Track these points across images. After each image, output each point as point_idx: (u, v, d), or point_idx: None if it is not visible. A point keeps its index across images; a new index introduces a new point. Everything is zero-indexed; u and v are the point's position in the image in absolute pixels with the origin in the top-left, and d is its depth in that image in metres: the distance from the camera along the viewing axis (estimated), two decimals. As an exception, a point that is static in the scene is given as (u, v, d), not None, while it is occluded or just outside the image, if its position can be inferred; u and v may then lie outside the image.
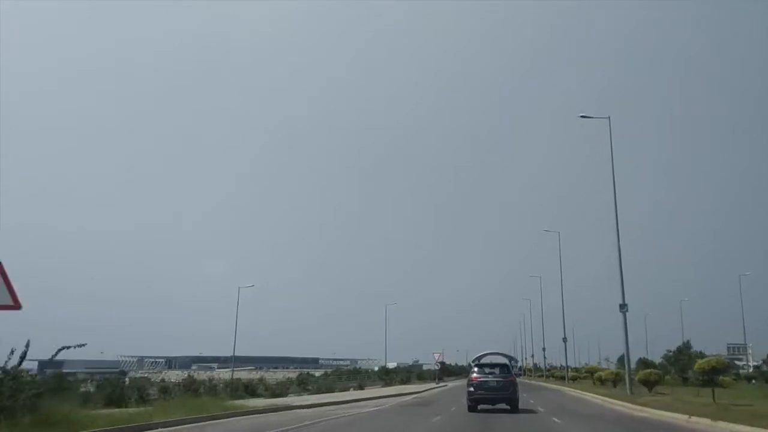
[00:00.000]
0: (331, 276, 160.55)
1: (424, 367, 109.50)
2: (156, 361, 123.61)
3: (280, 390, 43.16)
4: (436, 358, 61.50)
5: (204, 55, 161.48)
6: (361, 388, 54.17)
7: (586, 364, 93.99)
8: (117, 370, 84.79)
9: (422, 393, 40.04)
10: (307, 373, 78.33)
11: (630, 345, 30.01)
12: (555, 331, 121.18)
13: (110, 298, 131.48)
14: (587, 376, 58.27)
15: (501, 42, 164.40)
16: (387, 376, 64.53)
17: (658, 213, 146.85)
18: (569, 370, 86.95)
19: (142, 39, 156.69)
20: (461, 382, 74.99)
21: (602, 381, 45.32)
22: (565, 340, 56.33)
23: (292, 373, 77.69)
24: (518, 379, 25.65)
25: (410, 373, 73.21)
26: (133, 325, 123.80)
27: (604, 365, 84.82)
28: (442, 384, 61.21)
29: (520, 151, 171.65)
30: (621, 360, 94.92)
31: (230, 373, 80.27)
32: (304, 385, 52.54)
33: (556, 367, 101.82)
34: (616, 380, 41.23)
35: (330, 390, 48.73)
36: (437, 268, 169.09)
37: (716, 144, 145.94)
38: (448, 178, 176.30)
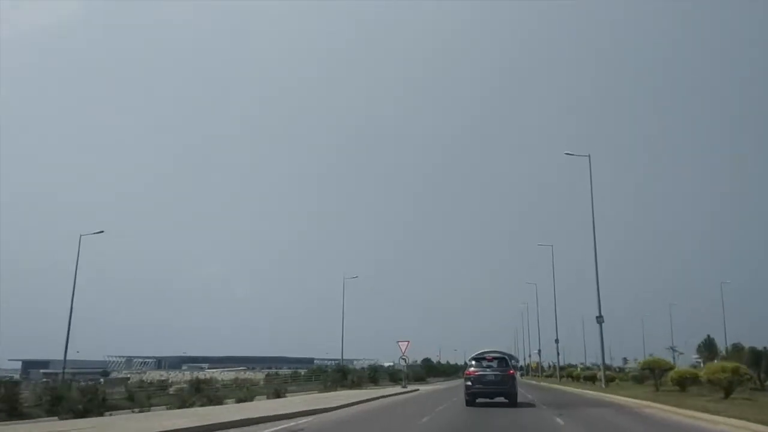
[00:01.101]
0: (327, 276, 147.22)
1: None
2: (145, 361, 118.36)
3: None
4: (402, 349, 40.21)
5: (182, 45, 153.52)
6: (278, 395, 34.42)
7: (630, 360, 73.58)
8: (100, 370, 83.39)
9: (343, 409, 19.88)
10: (276, 372, 69.71)
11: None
12: (561, 328, 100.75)
13: (101, 296, 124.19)
14: (636, 375, 37.50)
15: (486, 40, 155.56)
16: (333, 377, 43.84)
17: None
18: (584, 368, 69.25)
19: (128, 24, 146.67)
20: (450, 384, 56.04)
21: (682, 384, 24.67)
22: (600, 319, 35.16)
23: (260, 374, 68.68)
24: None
25: (375, 373, 52.49)
26: (124, 325, 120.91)
27: (666, 356, 64.44)
28: (411, 389, 40.21)
29: (518, 141, 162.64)
30: (707, 347, 71.62)
31: (220, 373, 68.17)
32: (203, 392, 33.80)
33: (572, 366, 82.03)
34: (731, 382, 20.24)
35: (217, 401, 29.96)
36: (435, 265, 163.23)
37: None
38: (443, 170, 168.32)
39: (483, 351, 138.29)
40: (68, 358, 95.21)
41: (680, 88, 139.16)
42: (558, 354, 61.86)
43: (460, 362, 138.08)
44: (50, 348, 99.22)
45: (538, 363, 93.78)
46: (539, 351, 77.77)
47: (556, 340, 58.29)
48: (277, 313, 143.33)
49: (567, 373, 60.69)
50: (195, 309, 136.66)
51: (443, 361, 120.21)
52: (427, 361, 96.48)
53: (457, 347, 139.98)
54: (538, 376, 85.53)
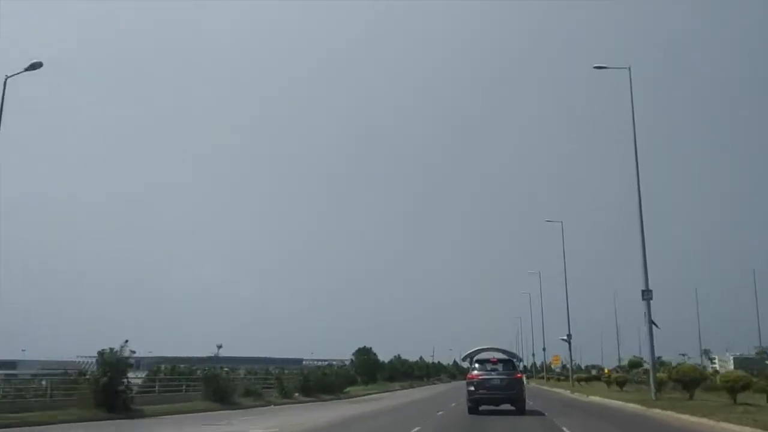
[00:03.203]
0: (319, 276, 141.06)
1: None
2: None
3: None
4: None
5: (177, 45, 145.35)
6: None
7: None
8: (61, 371, 65.02)
9: None
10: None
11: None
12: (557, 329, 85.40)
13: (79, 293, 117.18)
14: None
15: (486, 28, 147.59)
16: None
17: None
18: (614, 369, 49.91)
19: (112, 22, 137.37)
20: (394, 402, 31.23)
21: None
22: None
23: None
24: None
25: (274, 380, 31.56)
26: (114, 327, 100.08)
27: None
28: None
29: (515, 137, 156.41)
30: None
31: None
32: None
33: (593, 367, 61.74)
34: None
35: None
36: (431, 262, 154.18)
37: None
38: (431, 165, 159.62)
39: (479, 348, 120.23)
40: (36, 358, 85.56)
41: (680, 85, 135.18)
42: (652, 323, 25.11)
43: (455, 363, 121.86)
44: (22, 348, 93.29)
45: (562, 361, 69.59)
46: (568, 336, 45.52)
47: (646, 292, 25.14)
48: (274, 313, 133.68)
49: (683, 372, 26.56)
50: (191, 310, 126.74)
51: (438, 362, 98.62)
52: (364, 353, 55.30)
53: (453, 347, 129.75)
54: (564, 381, 58.61)
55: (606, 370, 63.49)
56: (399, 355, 70.28)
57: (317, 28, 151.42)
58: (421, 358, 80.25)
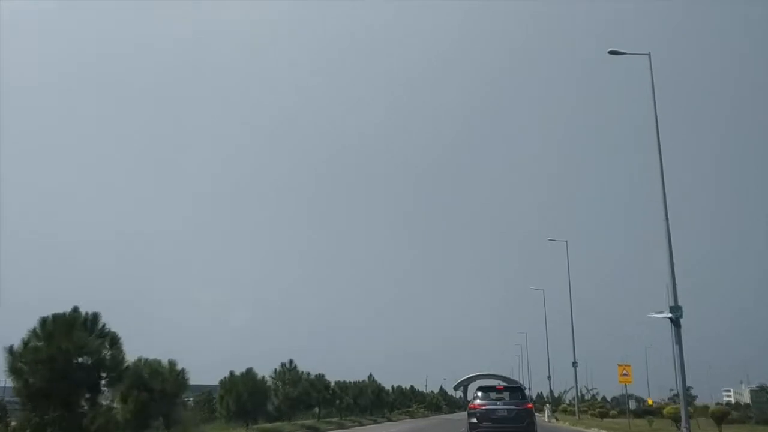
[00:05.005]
0: (307, 297, 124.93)
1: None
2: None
3: None
4: None
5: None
6: None
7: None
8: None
9: None
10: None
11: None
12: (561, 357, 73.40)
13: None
14: None
15: (487, 35, 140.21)
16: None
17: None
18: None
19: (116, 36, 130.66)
20: None
21: None
22: None
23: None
24: None
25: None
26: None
27: None
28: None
29: (513, 156, 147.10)
30: None
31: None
32: None
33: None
34: None
35: None
36: (425, 283, 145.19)
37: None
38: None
39: (474, 374, 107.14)
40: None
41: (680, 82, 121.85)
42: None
43: (442, 390, 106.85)
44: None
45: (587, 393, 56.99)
46: (674, 308, 18.60)
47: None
48: (268, 339, 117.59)
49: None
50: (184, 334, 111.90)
51: (411, 387, 79.59)
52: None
53: (447, 375, 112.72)
54: (610, 417, 41.77)
55: (650, 401, 48.94)
56: (329, 377, 36.50)
57: (314, 29, 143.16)
58: (370, 376, 44.36)
